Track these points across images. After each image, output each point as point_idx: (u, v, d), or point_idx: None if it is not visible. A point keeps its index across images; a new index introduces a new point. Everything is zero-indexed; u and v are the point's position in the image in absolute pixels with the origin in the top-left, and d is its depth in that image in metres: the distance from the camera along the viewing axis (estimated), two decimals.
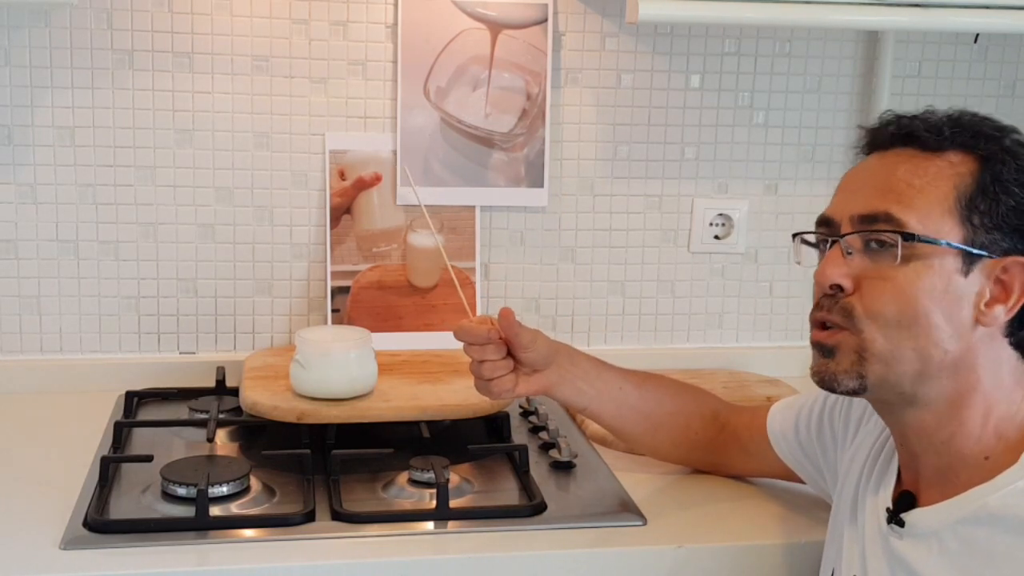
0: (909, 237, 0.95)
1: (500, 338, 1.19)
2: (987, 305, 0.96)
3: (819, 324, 1.02)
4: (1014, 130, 1.00)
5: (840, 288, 0.99)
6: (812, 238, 1.07)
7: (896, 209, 0.96)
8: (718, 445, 1.34)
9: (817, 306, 1.02)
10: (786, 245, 1.83)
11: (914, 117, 1.01)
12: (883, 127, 1.03)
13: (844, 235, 0.99)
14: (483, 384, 1.20)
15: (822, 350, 1.01)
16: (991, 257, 0.95)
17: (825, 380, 1.01)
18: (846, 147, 1.82)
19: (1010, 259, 0.95)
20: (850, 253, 0.99)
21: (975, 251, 0.95)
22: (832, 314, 1.00)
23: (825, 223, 1.03)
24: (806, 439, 1.24)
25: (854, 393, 1.01)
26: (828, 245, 1.01)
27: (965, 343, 0.96)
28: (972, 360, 0.97)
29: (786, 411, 1.28)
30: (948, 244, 0.95)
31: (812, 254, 1.07)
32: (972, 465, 0.97)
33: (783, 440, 1.27)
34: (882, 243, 0.97)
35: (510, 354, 1.20)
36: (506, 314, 1.18)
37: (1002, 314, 0.96)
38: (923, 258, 0.95)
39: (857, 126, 1.08)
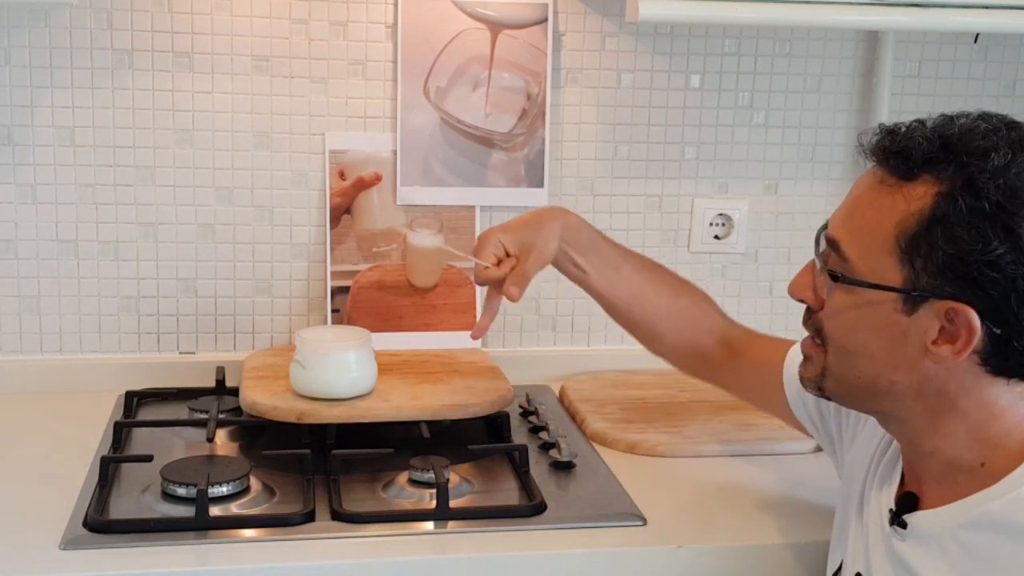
0: (835, 277, 0.96)
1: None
2: (934, 343, 0.92)
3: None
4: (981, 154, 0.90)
5: (803, 301, 1.02)
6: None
7: (846, 241, 0.96)
8: (725, 370, 1.35)
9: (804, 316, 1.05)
10: (786, 245, 1.83)
11: (899, 132, 0.95)
12: (872, 137, 0.98)
13: (819, 252, 1.01)
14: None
15: (803, 354, 1.06)
16: (939, 299, 0.91)
17: (802, 382, 1.07)
18: (846, 147, 1.82)
19: (955, 305, 0.90)
20: (820, 270, 1.00)
21: (915, 293, 0.91)
22: (807, 328, 1.04)
23: (823, 228, 1.03)
24: (825, 411, 1.23)
25: (823, 398, 1.07)
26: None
27: (917, 374, 0.95)
28: (937, 387, 0.95)
29: None
30: (876, 287, 0.93)
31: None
32: (968, 470, 0.97)
33: (802, 406, 1.25)
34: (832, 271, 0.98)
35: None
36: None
37: (949, 355, 0.92)
38: (862, 294, 0.95)
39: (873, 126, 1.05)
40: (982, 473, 0.96)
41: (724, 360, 1.34)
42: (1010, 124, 0.93)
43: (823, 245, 1.00)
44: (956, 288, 0.90)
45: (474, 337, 1.37)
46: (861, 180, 0.99)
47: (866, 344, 0.96)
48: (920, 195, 0.91)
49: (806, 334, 1.05)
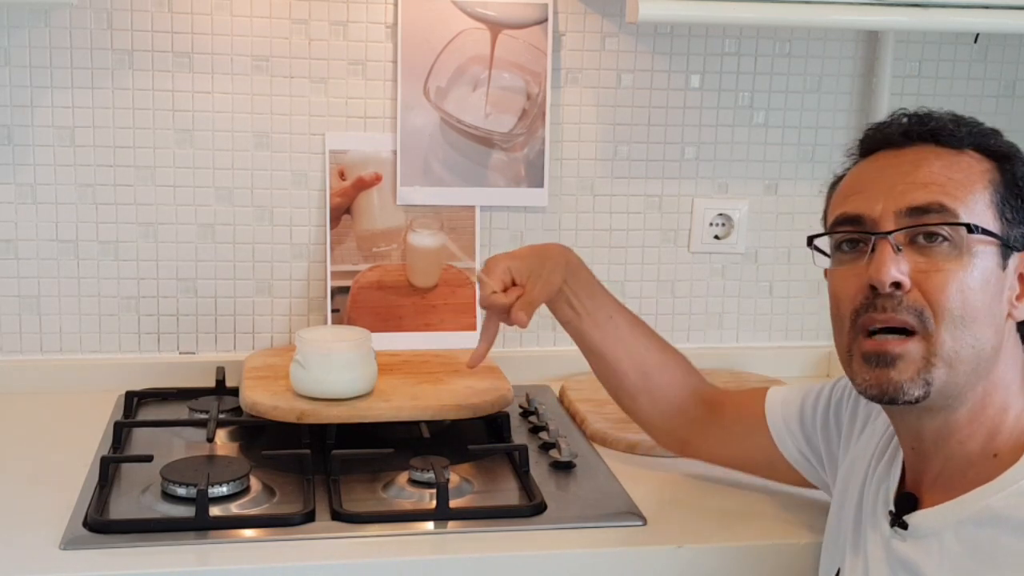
0: (972, 229, 0.94)
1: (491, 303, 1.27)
2: (1017, 299, 0.97)
3: (867, 330, 0.97)
4: (999, 133, 1.02)
5: (897, 286, 0.95)
6: (829, 241, 1.03)
7: (947, 200, 0.95)
8: (709, 427, 1.31)
9: (870, 307, 0.96)
10: (786, 245, 1.83)
11: (927, 116, 1.01)
12: (898, 124, 1.01)
13: (895, 231, 0.96)
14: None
15: (884, 360, 0.96)
16: (1019, 251, 0.97)
17: (887, 392, 0.96)
18: (846, 147, 1.81)
19: None
20: (899, 249, 0.96)
21: (1011, 245, 0.96)
22: (900, 314, 0.95)
23: (853, 221, 0.99)
24: (811, 433, 1.22)
25: (916, 402, 0.96)
26: (871, 245, 0.97)
27: (1001, 338, 0.97)
28: (999, 355, 0.98)
29: (787, 403, 1.25)
30: (996, 236, 0.95)
31: (825, 259, 1.04)
32: (980, 464, 0.97)
33: (788, 436, 1.24)
34: (932, 236, 0.95)
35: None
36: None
37: None
38: (973, 251, 0.95)
39: (867, 124, 1.06)
40: (992, 465, 0.96)
41: (706, 417, 1.32)
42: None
43: (892, 222, 0.96)
44: None
45: (470, 366, 1.33)
46: (903, 159, 0.99)
47: (979, 306, 0.95)
48: (980, 159, 0.98)
49: (888, 332, 0.97)
